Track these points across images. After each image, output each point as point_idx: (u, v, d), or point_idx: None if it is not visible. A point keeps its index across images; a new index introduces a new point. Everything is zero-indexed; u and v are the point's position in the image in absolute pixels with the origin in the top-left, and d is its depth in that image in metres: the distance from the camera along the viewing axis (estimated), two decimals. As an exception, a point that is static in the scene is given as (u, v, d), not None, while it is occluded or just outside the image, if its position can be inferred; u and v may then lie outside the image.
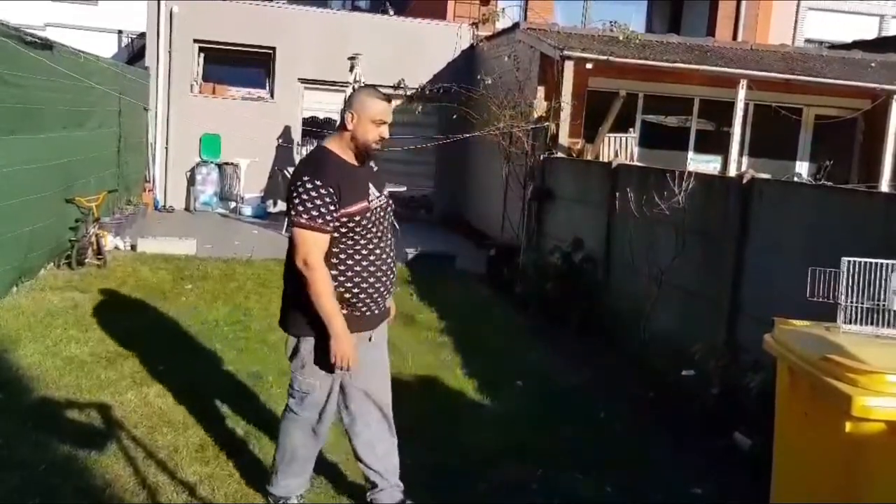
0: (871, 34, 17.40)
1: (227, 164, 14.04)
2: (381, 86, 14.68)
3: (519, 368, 6.24)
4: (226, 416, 4.80)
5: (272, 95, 14.36)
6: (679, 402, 5.59)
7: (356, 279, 3.48)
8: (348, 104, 3.57)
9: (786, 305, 4.15)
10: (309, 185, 3.35)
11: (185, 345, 6.25)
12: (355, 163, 3.54)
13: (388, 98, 3.60)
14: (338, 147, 3.53)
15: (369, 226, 3.47)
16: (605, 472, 4.48)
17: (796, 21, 18.22)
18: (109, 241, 9.37)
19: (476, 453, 4.58)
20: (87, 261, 8.56)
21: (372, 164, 3.69)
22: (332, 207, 3.35)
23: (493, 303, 8.60)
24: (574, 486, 4.32)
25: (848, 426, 2.78)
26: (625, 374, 6.42)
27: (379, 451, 3.77)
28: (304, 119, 14.46)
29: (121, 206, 11.21)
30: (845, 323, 3.31)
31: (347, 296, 3.47)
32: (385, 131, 3.54)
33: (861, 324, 3.30)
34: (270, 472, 3.83)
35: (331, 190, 3.35)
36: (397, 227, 4.10)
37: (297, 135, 14.34)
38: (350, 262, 3.46)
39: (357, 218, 3.42)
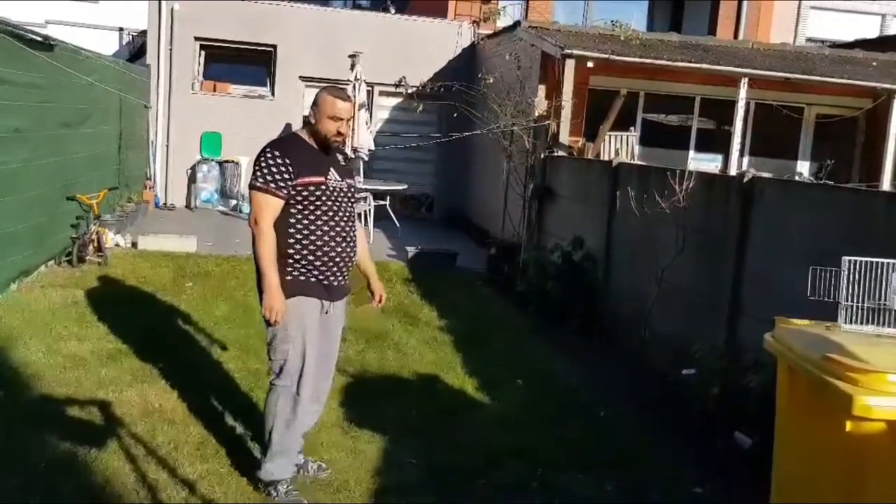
0: (872, 33, 17.38)
1: (227, 161, 14.04)
2: (382, 84, 14.75)
3: (519, 367, 6.24)
4: (226, 414, 4.81)
5: (273, 93, 14.35)
6: (679, 402, 5.59)
7: (312, 247, 3.81)
8: (313, 102, 3.93)
9: (786, 305, 4.14)
10: (269, 156, 3.77)
11: (185, 342, 6.25)
12: (317, 148, 3.91)
13: (349, 98, 3.99)
14: (306, 135, 3.95)
15: (326, 200, 3.82)
16: (605, 471, 4.48)
17: (797, 20, 18.20)
18: (110, 239, 9.37)
19: (476, 452, 4.58)
20: (87, 258, 8.56)
21: (340, 157, 4.05)
22: (286, 176, 3.74)
23: (494, 301, 8.60)
24: (574, 485, 4.32)
25: (849, 426, 2.78)
26: (625, 373, 6.42)
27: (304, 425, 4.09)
28: (304, 117, 14.38)
29: (122, 203, 11.21)
30: (846, 322, 3.31)
31: (303, 262, 3.81)
32: (343, 127, 3.90)
33: (862, 323, 3.30)
34: (261, 457, 3.93)
35: (287, 161, 3.75)
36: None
37: (297, 133, 14.30)
38: (306, 231, 3.80)
39: (312, 188, 3.78)
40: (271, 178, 3.72)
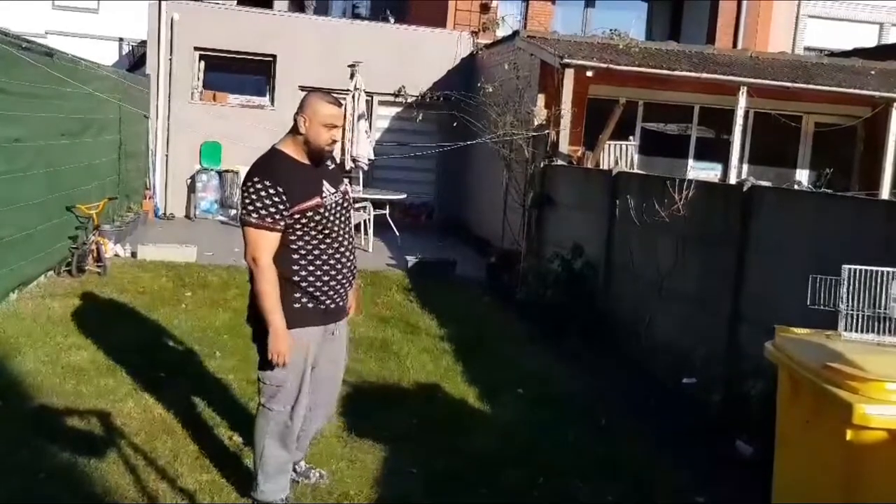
0: (870, 42, 17.42)
1: (227, 171, 14.05)
2: (381, 93, 14.74)
3: (520, 375, 6.23)
4: (225, 424, 4.80)
5: (272, 103, 14.39)
6: (680, 410, 5.59)
7: (318, 272, 3.65)
8: (300, 108, 3.71)
9: (786, 313, 4.15)
10: (259, 185, 3.51)
11: (185, 352, 6.24)
12: (307, 162, 3.69)
13: (339, 103, 3.79)
14: (290, 148, 3.70)
15: (325, 221, 3.63)
16: (606, 479, 4.47)
17: (796, 29, 18.25)
18: (110, 249, 9.37)
19: (477, 460, 4.57)
20: (87, 268, 8.55)
21: (328, 162, 3.85)
22: (280, 206, 3.50)
23: (494, 309, 8.60)
24: (575, 493, 4.31)
25: (848, 434, 2.78)
26: (626, 380, 6.41)
27: (310, 433, 4.09)
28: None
29: (121, 213, 11.21)
30: (846, 331, 3.31)
31: (311, 290, 3.64)
32: (336, 134, 3.71)
33: (861, 331, 3.30)
34: (252, 477, 3.86)
35: (280, 189, 3.50)
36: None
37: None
38: (311, 257, 3.63)
39: (310, 214, 3.58)
40: (266, 213, 3.48)
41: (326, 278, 3.67)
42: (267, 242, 3.53)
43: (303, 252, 3.62)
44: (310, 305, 3.66)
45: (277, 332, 3.54)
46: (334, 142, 3.72)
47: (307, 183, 3.62)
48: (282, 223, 3.53)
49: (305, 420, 3.96)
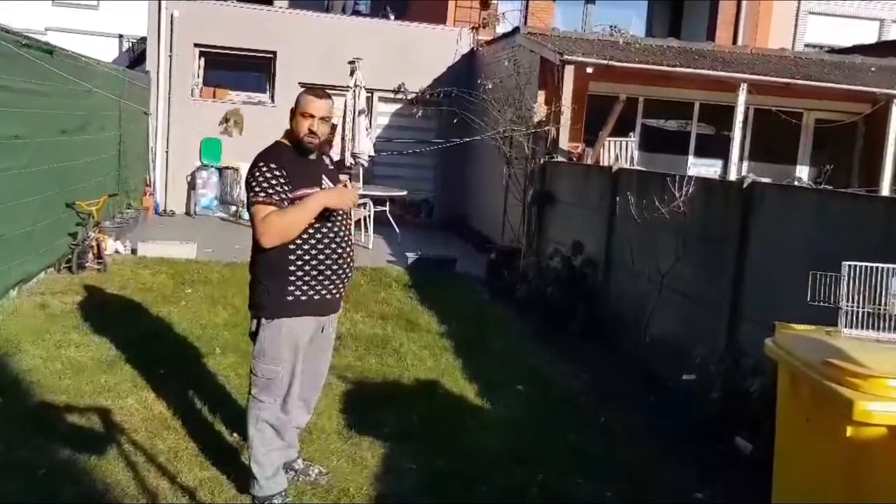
0: (871, 38, 17.40)
1: (227, 168, 14.05)
2: (381, 90, 14.71)
3: (520, 372, 6.24)
4: (226, 421, 4.80)
5: (273, 100, 14.37)
6: (680, 407, 5.59)
7: (314, 262, 3.72)
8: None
9: (786, 309, 4.15)
10: (264, 169, 3.64)
11: (185, 349, 6.24)
12: (304, 157, 3.80)
13: (322, 95, 3.81)
14: (287, 142, 3.83)
15: (323, 211, 3.70)
16: (605, 476, 4.48)
17: (796, 25, 18.23)
18: (110, 245, 9.36)
19: (477, 457, 4.57)
20: (87, 265, 8.56)
21: (327, 160, 3.94)
22: (285, 186, 3.61)
23: (494, 306, 8.60)
24: (575, 490, 4.31)
25: (849, 430, 2.78)
26: (625, 378, 6.41)
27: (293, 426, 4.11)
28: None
29: (121, 209, 11.21)
30: (846, 327, 3.30)
31: (306, 279, 3.72)
32: (314, 125, 3.72)
33: (862, 328, 3.30)
34: (249, 474, 3.88)
35: (284, 172, 3.62)
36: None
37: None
38: (307, 246, 3.70)
39: None
40: (272, 192, 3.58)
41: (322, 268, 3.74)
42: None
43: (299, 242, 3.69)
44: (303, 298, 3.74)
45: (328, 195, 3.70)
46: (312, 133, 3.71)
47: (307, 174, 3.74)
48: (286, 202, 3.61)
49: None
